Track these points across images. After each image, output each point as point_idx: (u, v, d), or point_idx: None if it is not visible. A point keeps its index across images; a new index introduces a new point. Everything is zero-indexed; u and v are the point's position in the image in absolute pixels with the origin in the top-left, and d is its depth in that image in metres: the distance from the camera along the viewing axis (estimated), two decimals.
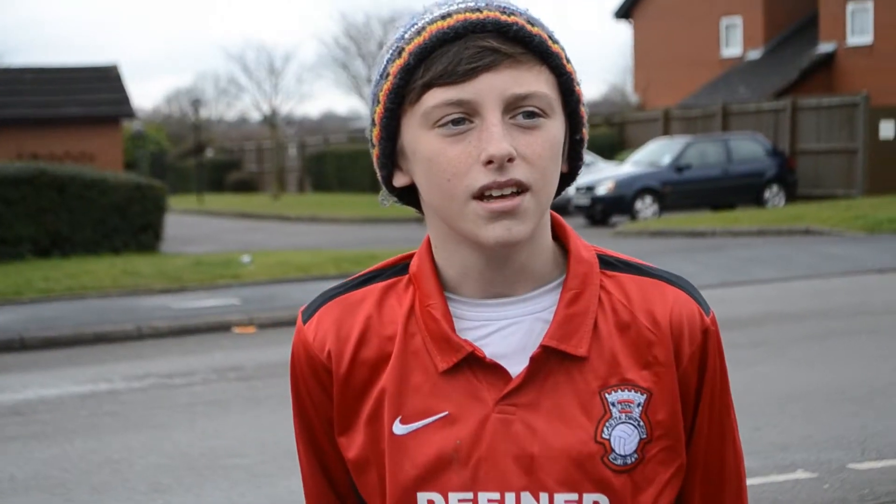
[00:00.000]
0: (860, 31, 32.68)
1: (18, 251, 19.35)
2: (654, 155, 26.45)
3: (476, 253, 1.49)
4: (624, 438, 1.49)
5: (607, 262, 1.57)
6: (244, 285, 15.78)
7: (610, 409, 1.49)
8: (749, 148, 26.42)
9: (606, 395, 1.50)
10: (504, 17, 1.45)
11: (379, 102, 1.50)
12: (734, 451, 1.60)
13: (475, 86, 1.42)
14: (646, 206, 25.07)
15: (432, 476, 1.49)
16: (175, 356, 11.22)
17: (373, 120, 1.52)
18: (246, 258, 17.88)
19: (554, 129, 1.47)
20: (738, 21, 37.48)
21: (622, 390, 1.50)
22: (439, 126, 1.44)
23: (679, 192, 25.30)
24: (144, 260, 18.67)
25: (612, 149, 33.49)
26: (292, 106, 70.79)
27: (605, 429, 1.49)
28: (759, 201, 25.88)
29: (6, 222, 19.31)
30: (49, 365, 11.05)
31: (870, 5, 32.33)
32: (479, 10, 1.46)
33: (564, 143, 1.51)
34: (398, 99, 1.48)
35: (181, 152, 55.33)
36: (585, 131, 1.53)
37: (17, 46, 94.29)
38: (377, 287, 1.58)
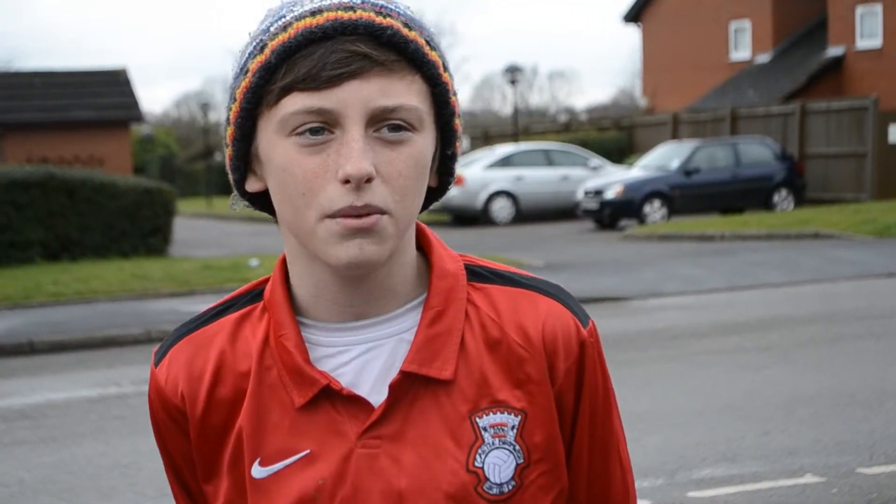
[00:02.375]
0: (869, 35, 32.63)
1: (28, 255, 19.41)
2: (662, 159, 26.43)
3: (329, 271, 1.38)
4: (499, 465, 1.39)
5: (476, 274, 1.45)
6: None
7: (482, 435, 1.39)
8: (758, 152, 26.37)
9: (477, 420, 1.39)
10: (379, 19, 1.32)
11: (235, 100, 1.37)
12: (621, 470, 1.51)
13: (338, 94, 1.30)
14: (654, 209, 25.03)
15: None
16: None
17: (228, 118, 1.39)
18: (254, 262, 17.89)
19: (421, 143, 1.34)
20: (746, 25, 37.45)
21: (494, 413, 1.39)
22: (296, 134, 1.32)
23: (688, 196, 25.27)
24: (153, 264, 18.70)
25: (621, 153, 33.52)
26: None
27: (477, 456, 1.38)
28: (767, 205, 25.83)
29: (16, 226, 19.36)
30: (58, 369, 11.07)
31: (879, 9, 32.27)
32: (352, 8, 1.33)
33: (434, 157, 1.39)
34: (255, 99, 1.35)
35: (190, 156, 55.41)
36: (459, 145, 1.42)
37: (26, 51, 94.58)
38: (231, 318, 1.46)
